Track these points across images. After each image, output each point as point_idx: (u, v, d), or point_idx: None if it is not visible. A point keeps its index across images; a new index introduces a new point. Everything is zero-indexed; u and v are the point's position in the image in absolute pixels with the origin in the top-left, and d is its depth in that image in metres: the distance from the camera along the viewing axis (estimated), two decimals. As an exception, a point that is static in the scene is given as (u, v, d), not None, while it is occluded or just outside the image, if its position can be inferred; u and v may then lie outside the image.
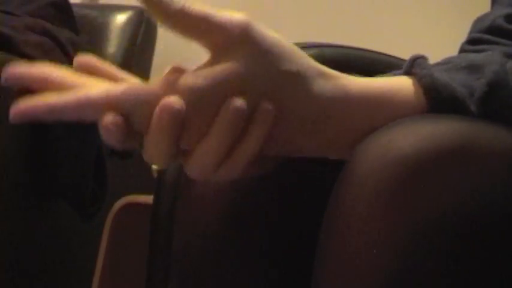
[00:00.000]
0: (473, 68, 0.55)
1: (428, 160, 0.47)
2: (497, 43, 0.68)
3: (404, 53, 0.72)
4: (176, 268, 0.65)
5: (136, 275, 1.07)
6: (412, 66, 0.56)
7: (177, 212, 0.67)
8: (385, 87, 0.55)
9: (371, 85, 0.55)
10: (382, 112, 0.54)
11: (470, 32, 0.73)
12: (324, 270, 0.50)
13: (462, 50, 0.72)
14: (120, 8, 1.70)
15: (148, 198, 1.16)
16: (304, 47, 0.84)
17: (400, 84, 0.55)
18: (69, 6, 1.47)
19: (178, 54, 1.91)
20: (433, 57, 0.68)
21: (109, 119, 0.49)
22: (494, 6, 0.74)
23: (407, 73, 0.56)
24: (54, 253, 1.36)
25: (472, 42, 0.71)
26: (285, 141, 0.53)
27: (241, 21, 0.51)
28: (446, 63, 0.57)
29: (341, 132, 0.53)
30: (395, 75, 0.58)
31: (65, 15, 1.45)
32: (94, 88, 0.51)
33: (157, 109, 0.49)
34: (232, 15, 0.52)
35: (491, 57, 0.56)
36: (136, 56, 1.64)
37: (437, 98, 0.53)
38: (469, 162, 0.48)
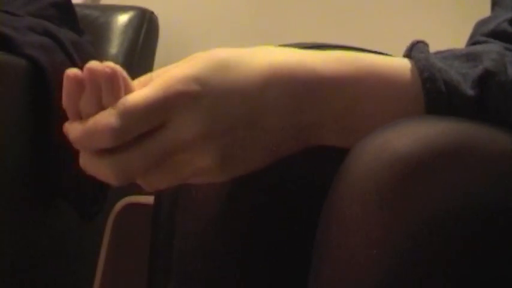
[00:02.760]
0: (471, 56, 0.55)
1: (422, 161, 0.47)
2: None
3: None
4: (176, 268, 0.65)
5: (137, 275, 1.07)
6: (412, 50, 0.56)
7: (178, 212, 0.67)
8: (383, 65, 0.55)
9: (366, 61, 0.55)
10: (377, 89, 0.54)
11: (473, 35, 0.73)
12: (320, 271, 0.49)
13: None
14: (122, 9, 1.70)
15: (149, 199, 1.16)
16: (306, 47, 0.84)
17: (399, 64, 0.55)
18: (71, 6, 1.47)
19: (180, 54, 1.91)
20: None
21: None
22: (496, 10, 0.74)
23: (407, 56, 0.56)
24: (55, 253, 1.36)
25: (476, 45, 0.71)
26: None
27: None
28: (446, 51, 0.57)
29: (341, 108, 0.54)
30: None
31: (67, 15, 1.45)
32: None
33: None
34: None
35: (491, 47, 0.56)
36: (138, 56, 1.64)
37: (431, 81, 0.53)
38: (464, 163, 0.48)
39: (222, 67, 0.52)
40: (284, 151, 0.55)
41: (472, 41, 0.72)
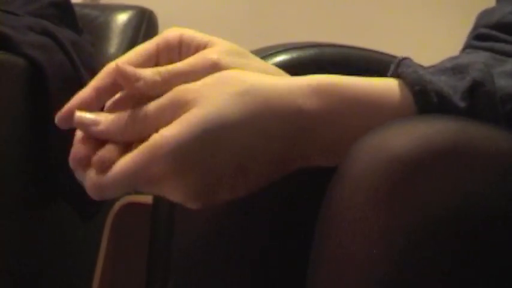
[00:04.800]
0: (457, 69, 0.55)
1: (420, 160, 0.47)
2: (505, 40, 0.68)
3: (404, 53, 0.71)
4: (176, 268, 0.65)
5: (137, 274, 1.07)
6: (398, 67, 0.56)
7: (177, 212, 0.67)
8: (368, 88, 0.54)
9: (353, 89, 0.54)
10: (365, 116, 0.54)
11: (476, 26, 0.72)
12: (318, 272, 0.49)
13: (469, 45, 0.71)
14: (121, 8, 1.70)
15: (148, 198, 1.16)
16: (304, 46, 0.84)
17: (385, 86, 0.55)
18: (70, 6, 1.47)
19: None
20: (433, 57, 0.67)
21: None
22: (501, 2, 0.74)
23: (394, 74, 0.56)
24: (54, 253, 1.36)
25: (480, 38, 0.70)
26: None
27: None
28: (430, 67, 0.57)
29: (330, 140, 0.54)
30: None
31: (67, 15, 1.45)
32: None
33: None
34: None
35: (476, 57, 0.56)
36: (137, 55, 1.63)
37: (423, 94, 0.53)
38: (461, 162, 0.48)
39: (208, 130, 0.52)
40: (272, 178, 0.55)
41: (476, 33, 0.71)
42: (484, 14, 0.73)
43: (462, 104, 0.53)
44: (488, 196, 0.48)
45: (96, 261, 1.34)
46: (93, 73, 1.50)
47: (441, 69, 0.55)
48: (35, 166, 1.29)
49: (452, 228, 0.47)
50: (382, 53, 0.89)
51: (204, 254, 0.62)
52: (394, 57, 0.87)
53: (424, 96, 0.53)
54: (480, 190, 0.48)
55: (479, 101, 0.53)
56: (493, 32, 0.69)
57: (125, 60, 0.57)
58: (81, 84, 1.29)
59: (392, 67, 0.57)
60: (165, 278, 0.70)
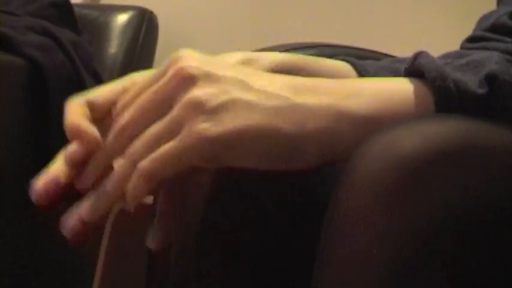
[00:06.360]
0: (472, 64, 0.54)
1: (429, 160, 0.47)
2: (497, 40, 0.68)
3: (404, 53, 0.72)
4: (175, 268, 0.65)
5: (136, 274, 1.07)
6: (416, 58, 0.55)
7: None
8: (391, 103, 0.54)
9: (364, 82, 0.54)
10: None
11: (475, 30, 0.73)
12: (324, 272, 0.49)
13: (462, 48, 0.71)
14: (122, 8, 1.70)
15: (148, 199, 1.16)
16: (304, 47, 0.84)
17: (401, 80, 0.55)
18: (70, 6, 1.47)
19: (180, 54, 1.91)
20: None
21: None
22: (500, 6, 0.74)
23: (411, 65, 0.55)
24: (54, 253, 1.36)
25: (473, 40, 0.70)
26: None
27: None
28: (444, 58, 0.56)
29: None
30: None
31: (66, 15, 1.45)
32: None
33: None
34: None
35: (490, 54, 0.56)
36: (137, 56, 1.64)
37: (441, 80, 0.52)
38: (472, 162, 0.47)
39: None
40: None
41: (469, 36, 0.71)
42: (483, 18, 0.73)
43: (480, 91, 0.52)
44: (499, 197, 0.47)
45: (96, 261, 1.34)
46: (93, 73, 1.49)
47: (454, 65, 0.54)
48: (35, 166, 1.29)
49: (461, 229, 0.46)
50: (381, 53, 0.89)
51: (203, 254, 0.62)
52: (393, 57, 0.87)
53: (442, 82, 0.52)
54: (490, 191, 0.47)
55: (498, 90, 0.52)
56: (487, 34, 0.69)
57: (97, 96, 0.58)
58: (82, 85, 1.29)
59: (410, 59, 0.56)
60: (165, 278, 0.70)
